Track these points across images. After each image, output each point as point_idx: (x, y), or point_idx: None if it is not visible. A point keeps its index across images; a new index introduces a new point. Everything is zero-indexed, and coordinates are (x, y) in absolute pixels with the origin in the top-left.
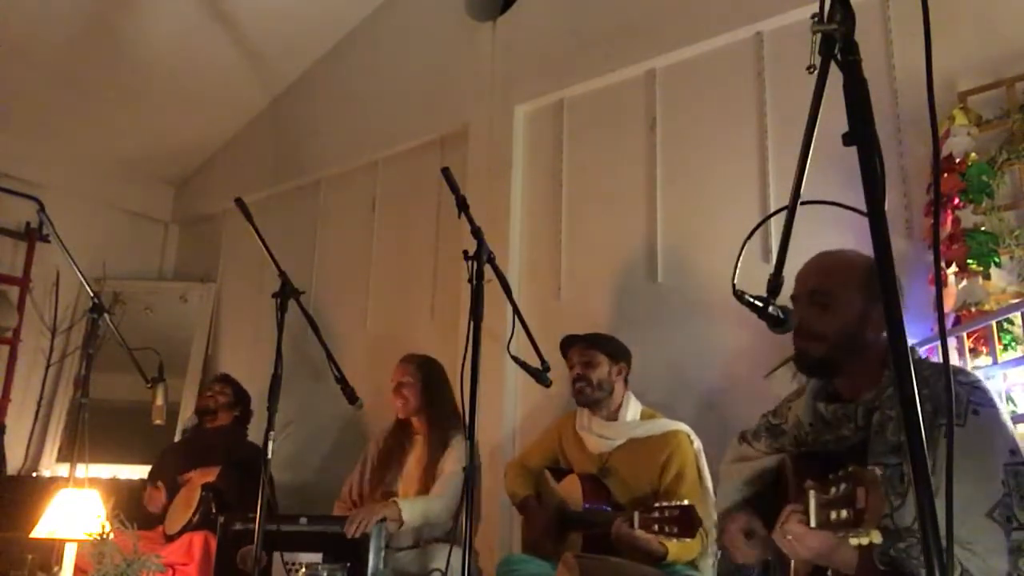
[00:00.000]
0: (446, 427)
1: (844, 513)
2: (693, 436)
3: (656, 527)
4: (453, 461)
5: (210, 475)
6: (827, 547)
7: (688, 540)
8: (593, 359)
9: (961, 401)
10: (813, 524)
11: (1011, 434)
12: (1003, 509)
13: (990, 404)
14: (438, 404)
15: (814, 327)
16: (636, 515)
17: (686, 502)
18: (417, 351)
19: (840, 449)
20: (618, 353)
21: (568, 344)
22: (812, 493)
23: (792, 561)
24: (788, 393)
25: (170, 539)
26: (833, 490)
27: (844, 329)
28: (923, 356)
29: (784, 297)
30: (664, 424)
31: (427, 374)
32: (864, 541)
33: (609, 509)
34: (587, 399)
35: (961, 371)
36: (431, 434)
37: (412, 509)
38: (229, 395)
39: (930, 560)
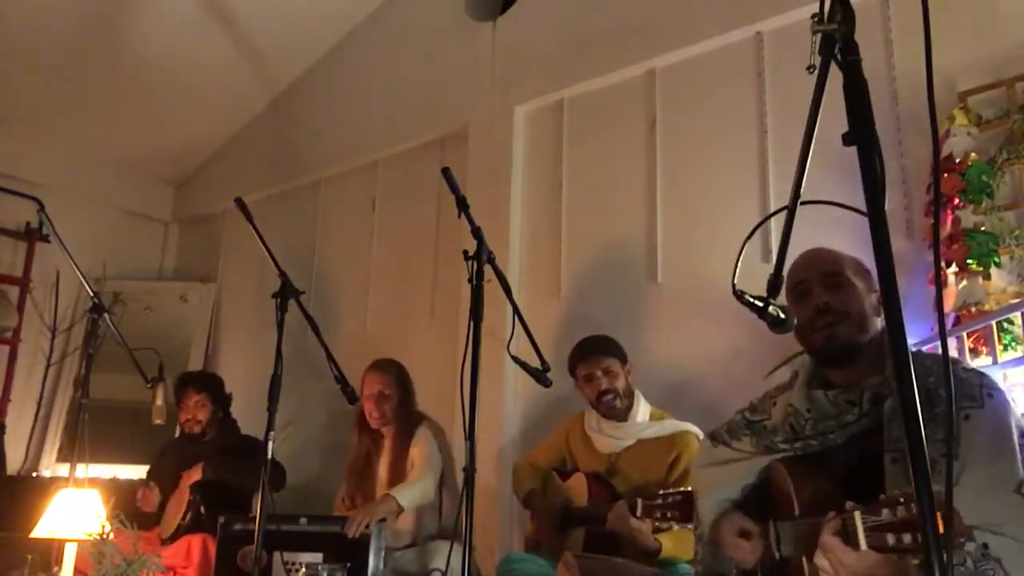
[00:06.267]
0: (410, 426)
1: (908, 538)
2: (702, 436)
3: (658, 513)
4: (419, 448)
5: (196, 473)
6: (875, 568)
7: (687, 530)
8: (611, 367)
9: (975, 385)
10: (863, 547)
11: (1019, 416)
12: None
13: (999, 388)
14: (406, 412)
15: (837, 306)
16: (639, 501)
17: (688, 488)
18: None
19: (839, 443)
20: (623, 353)
21: (578, 360)
22: (858, 515)
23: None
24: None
25: (164, 543)
26: (886, 512)
27: (859, 308)
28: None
29: (784, 297)
30: (673, 424)
31: (402, 384)
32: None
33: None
34: (619, 411)
35: (961, 361)
36: (396, 436)
37: (406, 494)
38: (207, 405)
39: (930, 565)
